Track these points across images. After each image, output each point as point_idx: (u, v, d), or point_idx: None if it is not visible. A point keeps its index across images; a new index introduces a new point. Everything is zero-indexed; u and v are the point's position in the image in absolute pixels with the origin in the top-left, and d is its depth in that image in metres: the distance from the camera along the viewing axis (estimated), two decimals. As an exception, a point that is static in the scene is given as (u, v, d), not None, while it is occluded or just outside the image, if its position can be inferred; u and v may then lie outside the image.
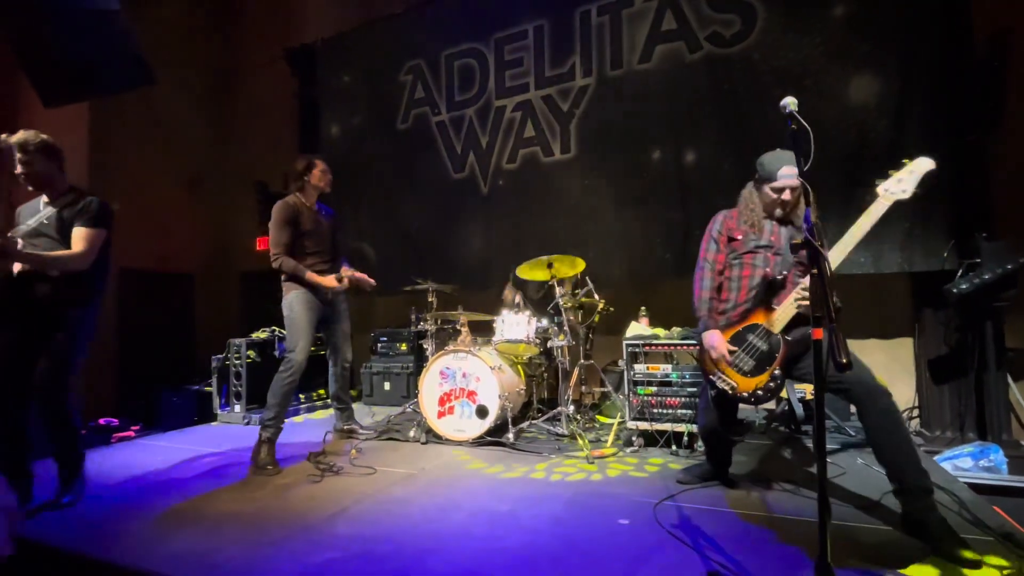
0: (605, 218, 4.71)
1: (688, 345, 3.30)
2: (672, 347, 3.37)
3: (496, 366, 3.53)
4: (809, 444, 3.27)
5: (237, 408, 4.65)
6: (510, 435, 3.43)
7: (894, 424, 1.99)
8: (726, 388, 2.30)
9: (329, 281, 3.41)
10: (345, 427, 3.92)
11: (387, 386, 5.15)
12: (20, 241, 2.46)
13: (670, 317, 3.78)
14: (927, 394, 3.74)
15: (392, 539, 2.07)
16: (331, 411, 4.09)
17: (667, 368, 3.33)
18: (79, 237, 2.57)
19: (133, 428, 4.97)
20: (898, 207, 1.96)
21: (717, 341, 2.31)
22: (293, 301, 3.35)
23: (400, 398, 4.96)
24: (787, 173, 2.22)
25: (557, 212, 4.98)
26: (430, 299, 4.15)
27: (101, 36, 3.43)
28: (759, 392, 2.22)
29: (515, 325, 3.73)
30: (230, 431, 4.26)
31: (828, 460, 1.88)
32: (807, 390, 3.59)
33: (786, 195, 2.25)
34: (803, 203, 2.13)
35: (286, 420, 3.32)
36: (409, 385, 5.00)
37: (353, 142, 6.23)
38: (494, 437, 3.48)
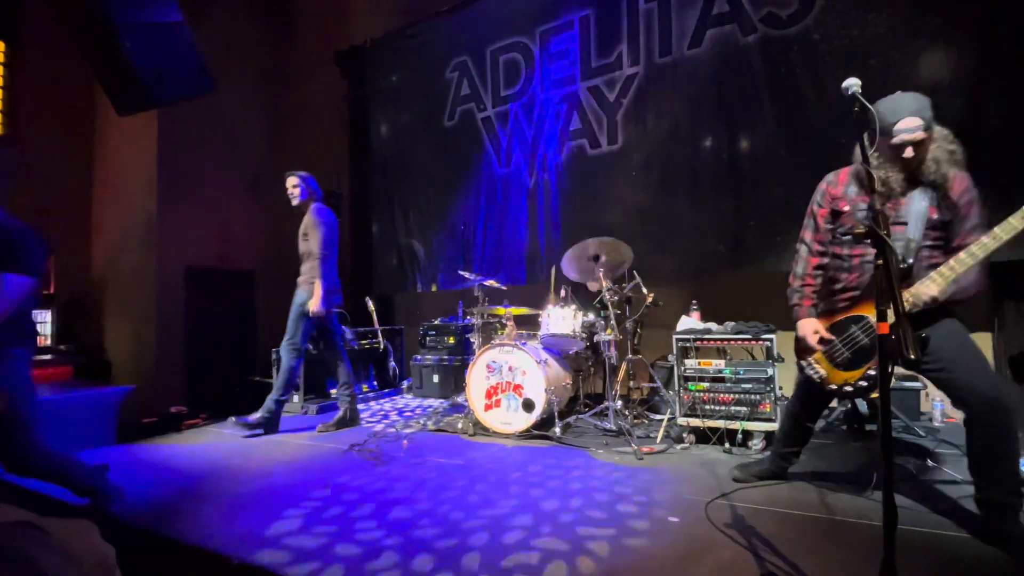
0: (654, 209, 4.61)
1: (743, 339, 3.19)
2: (726, 341, 3.26)
3: (542, 360, 3.53)
4: (875, 444, 3.10)
5: (296, 398, 4.86)
6: (556, 429, 3.43)
7: (1002, 441, 1.81)
8: (813, 375, 2.19)
9: None
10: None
11: (435, 378, 5.24)
12: None
13: (723, 310, 3.66)
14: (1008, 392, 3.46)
15: (444, 519, 2.12)
16: (374, 403, 4.22)
17: (720, 363, 3.23)
18: None
19: (201, 416, 5.28)
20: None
21: (808, 330, 2.17)
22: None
23: (448, 390, 5.04)
24: (907, 126, 1.87)
25: (604, 204, 4.91)
26: (476, 293, 4.18)
27: (168, 47, 3.64)
28: (847, 388, 2.09)
29: (561, 319, 3.71)
30: (288, 420, 4.46)
31: (896, 461, 1.77)
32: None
33: (908, 152, 1.88)
34: (936, 161, 1.86)
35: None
36: (457, 378, 5.07)
37: (401, 141, 6.37)
38: (541, 431, 3.49)
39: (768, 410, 3.04)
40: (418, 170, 6.19)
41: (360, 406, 5.06)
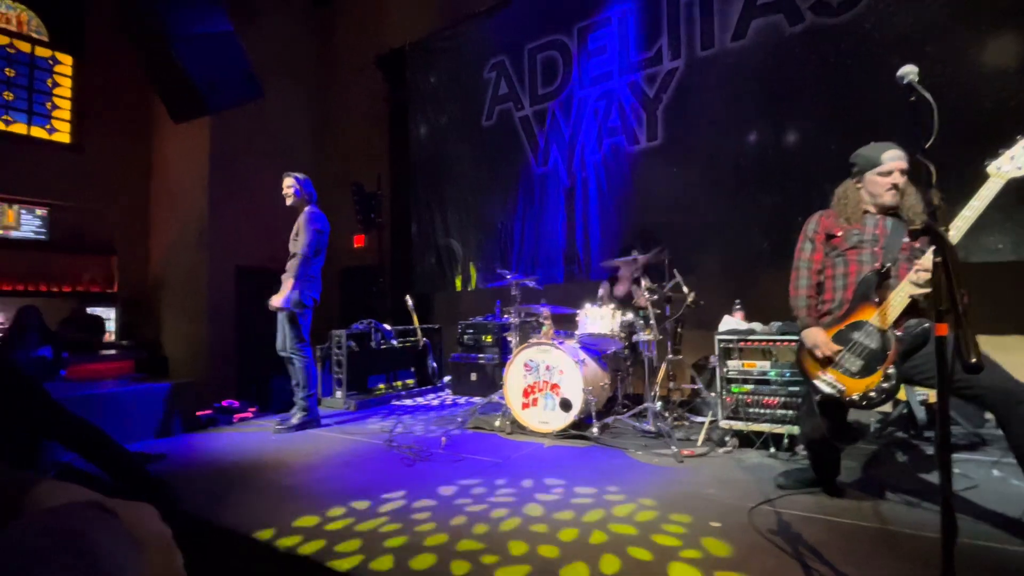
0: (695, 207, 4.51)
1: (788, 341, 3.08)
2: (771, 342, 3.16)
3: (580, 360, 3.51)
4: (932, 452, 2.94)
5: (338, 394, 5.00)
6: (595, 429, 3.40)
7: None
8: (832, 392, 2.11)
9: None
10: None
11: (473, 376, 5.29)
12: None
13: (768, 311, 3.54)
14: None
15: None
16: (410, 400, 4.26)
17: (765, 365, 3.13)
18: None
19: (251, 409, 5.50)
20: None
21: (820, 338, 2.14)
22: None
23: (486, 389, 5.07)
24: (893, 155, 2.12)
25: (643, 202, 4.84)
26: (514, 292, 4.19)
27: (218, 57, 3.81)
28: (871, 394, 2.02)
29: (599, 319, 3.68)
30: (332, 415, 4.58)
31: (956, 470, 1.68)
32: (930, 393, 3.22)
33: (896, 177, 2.12)
34: (911, 190, 2.02)
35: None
36: (494, 376, 5.10)
37: (440, 141, 6.45)
38: (578, 430, 3.47)
39: (816, 414, 2.92)
40: (456, 170, 6.26)
41: (401, 402, 5.16)
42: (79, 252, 6.67)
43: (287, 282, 3.90)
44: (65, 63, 6.87)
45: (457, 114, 6.29)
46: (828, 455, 2.37)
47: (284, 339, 3.96)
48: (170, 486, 2.62)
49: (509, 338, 4.29)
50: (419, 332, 5.67)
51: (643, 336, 3.58)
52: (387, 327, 5.42)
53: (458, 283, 6.25)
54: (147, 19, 3.58)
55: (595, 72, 5.21)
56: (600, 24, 5.17)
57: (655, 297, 3.60)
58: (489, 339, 5.29)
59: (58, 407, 2.50)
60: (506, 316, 4.42)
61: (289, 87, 7.29)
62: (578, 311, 3.86)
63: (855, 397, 2.06)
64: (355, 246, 7.26)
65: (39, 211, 6.40)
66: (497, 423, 3.79)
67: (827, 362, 2.14)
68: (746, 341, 3.21)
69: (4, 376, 2.33)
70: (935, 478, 2.50)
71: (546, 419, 3.55)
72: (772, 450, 3.00)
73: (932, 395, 3.19)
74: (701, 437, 3.27)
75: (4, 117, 6.32)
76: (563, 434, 3.49)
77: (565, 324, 4.19)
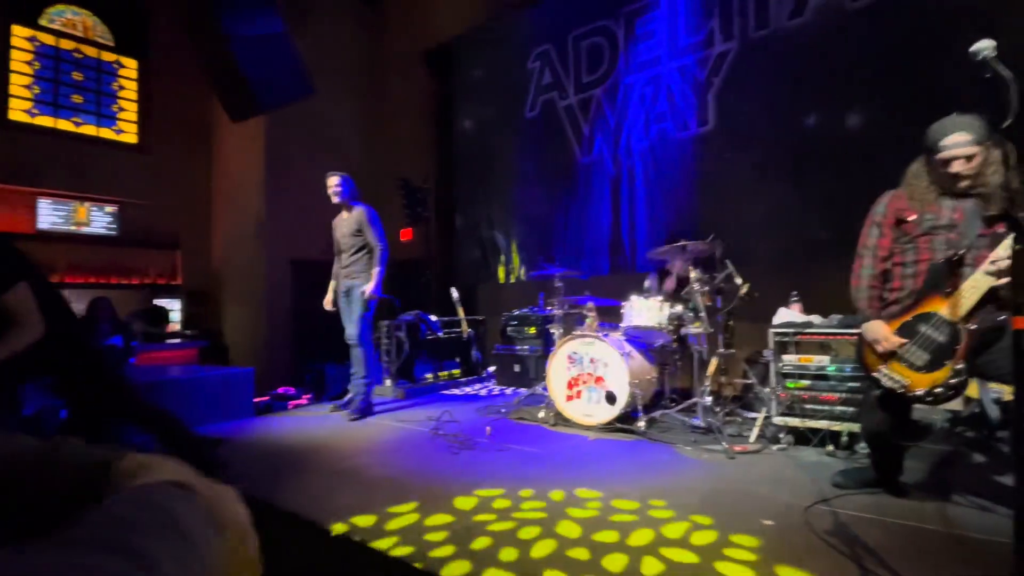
0: (749, 194, 4.34)
1: (849, 334, 2.93)
2: (830, 336, 3.01)
3: (625, 352, 3.46)
4: (1007, 452, 2.74)
5: (388, 383, 5.13)
6: (641, 423, 3.35)
7: None
8: (894, 386, 2.00)
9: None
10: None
11: (517, 368, 5.31)
12: None
13: (827, 303, 3.38)
14: None
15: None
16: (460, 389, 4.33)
17: (823, 360, 2.99)
18: None
19: (306, 396, 5.73)
20: None
21: (882, 331, 2.03)
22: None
23: (529, 380, 5.09)
24: (954, 141, 1.92)
25: (693, 189, 4.70)
26: (557, 284, 4.17)
27: (272, 57, 3.95)
28: (937, 390, 1.90)
29: (645, 310, 3.61)
30: (383, 402, 4.71)
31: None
32: (1005, 390, 2.99)
33: (955, 166, 1.93)
34: (995, 171, 1.85)
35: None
36: (537, 367, 5.11)
37: (484, 134, 6.47)
38: (624, 424, 3.43)
39: (878, 411, 2.77)
40: (500, 162, 6.27)
41: (448, 392, 5.25)
42: (146, 247, 7.11)
43: (374, 272, 4.03)
44: (130, 67, 7.30)
45: (501, 106, 6.29)
46: (890, 453, 2.25)
47: (355, 327, 4.08)
48: (230, 468, 2.78)
49: (552, 330, 4.28)
50: (464, 323, 5.74)
51: (692, 329, 3.48)
52: (433, 318, 5.51)
53: (501, 275, 6.28)
54: (206, 22, 3.76)
55: (643, 57, 5.08)
56: (648, 7, 5.03)
57: (706, 288, 3.49)
58: (532, 331, 5.30)
59: (133, 392, 2.68)
60: (549, 308, 4.41)
61: (339, 84, 7.48)
62: (623, 303, 3.80)
63: (919, 392, 1.95)
64: (402, 239, 7.40)
65: (108, 208, 6.85)
66: (541, 414, 3.79)
67: (890, 355, 2.02)
68: (803, 334, 3.08)
69: (85, 360, 2.51)
70: (1009, 480, 2.34)
71: (590, 412, 3.53)
72: (830, 448, 2.87)
73: (1008, 392, 2.96)
74: (754, 433, 3.17)
75: (74, 119, 6.79)
76: (608, 427, 3.45)
77: (610, 316, 4.14)
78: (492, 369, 5.77)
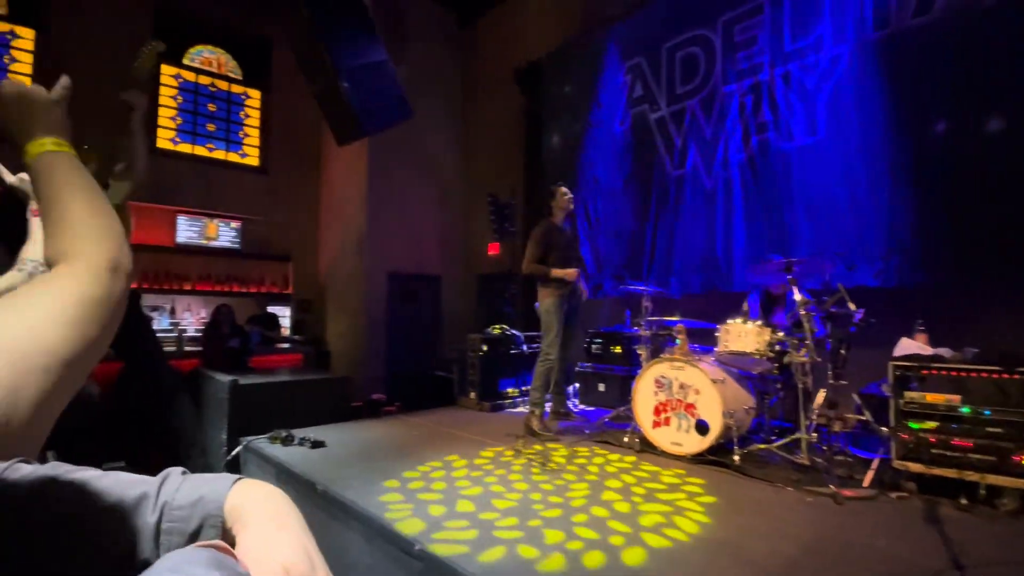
0: (863, 209, 3.94)
1: (989, 371, 2.54)
2: (965, 372, 2.63)
3: (719, 379, 3.24)
4: None
5: (472, 395, 5.21)
6: (736, 457, 3.11)
7: None
8: None
9: (571, 273, 3.97)
10: (561, 409, 4.45)
11: (601, 387, 5.18)
12: None
13: (960, 333, 2.97)
14: None
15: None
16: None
17: (954, 399, 2.61)
18: None
19: (395, 404, 5.99)
20: None
21: None
22: (549, 305, 3.99)
23: (613, 400, 4.93)
24: None
25: (798, 203, 4.35)
26: (645, 303, 4.02)
27: (375, 84, 4.21)
28: None
29: (742, 335, 3.37)
30: (464, 415, 4.78)
31: None
32: None
33: None
34: None
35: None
36: (623, 388, 4.94)
37: (572, 148, 6.45)
38: (716, 457, 3.20)
39: (1029, 464, 2.37)
40: (586, 177, 6.21)
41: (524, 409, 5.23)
42: (263, 259, 7.83)
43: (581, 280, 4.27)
44: (254, 97, 8.15)
45: (590, 120, 6.24)
46: None
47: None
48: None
49: (639, 351, 4.12)
50: (549, 339, 5.70)
51: (797, 357, 3.19)
52: (518, 333, 5.53)
53: (587, 291, 6.17)
54: (317, 55, 4.08)
55: (742, 65, 4.81)
56: (749, 13, 4.77)
57: (813, 313, 3.19)
58: (618, 350, 5.15)
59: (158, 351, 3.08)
60: (636, 327, 4.25)
61: (435, 105, 7.84)
62: (718, 325, 3.58)
63: None
64: (489, 253, 7.55)
65: (233, 224, 7.64)
66: (625, 439, 3.65)
67: None
68: (930, 369, 2.71)
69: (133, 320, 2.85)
70: None
71: (679, 440, 3.34)
72: (963, 501, 2.49)
73: None
74: (868, 477, 2.83)
75: (208, 145, 7.68)
76: (699, 458, 3.25)
77: (702, 339, 3.92)
78: (576, 386, 5.67)
